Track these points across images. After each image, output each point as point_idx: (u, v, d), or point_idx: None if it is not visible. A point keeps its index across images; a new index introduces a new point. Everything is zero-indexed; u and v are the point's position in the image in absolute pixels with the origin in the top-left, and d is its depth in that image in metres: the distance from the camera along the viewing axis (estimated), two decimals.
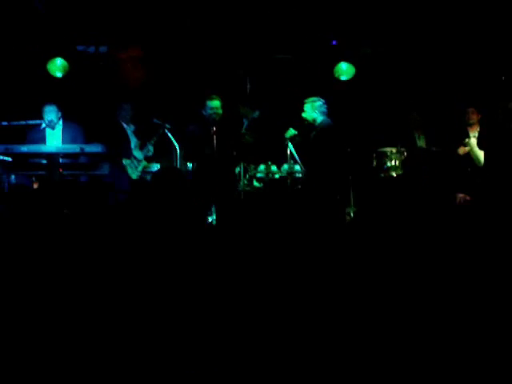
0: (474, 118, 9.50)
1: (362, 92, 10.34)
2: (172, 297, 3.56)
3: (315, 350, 3.14)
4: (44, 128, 8.77)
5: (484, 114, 9.38)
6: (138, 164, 9.26)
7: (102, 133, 9.17)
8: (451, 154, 9.22)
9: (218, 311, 3.38)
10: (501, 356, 3.07)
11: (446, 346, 3.14)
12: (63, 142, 8.67)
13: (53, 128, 8.81)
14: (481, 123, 9.21)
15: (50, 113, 8.78)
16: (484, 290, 3.36)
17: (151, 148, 9.32)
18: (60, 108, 8.87)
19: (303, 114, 8.73)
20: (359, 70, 9.90)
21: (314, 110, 8.70)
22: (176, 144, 8.85)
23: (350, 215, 8.82)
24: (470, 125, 9.50)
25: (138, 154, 9.29)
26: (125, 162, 9.17)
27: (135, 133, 9.47)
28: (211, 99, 8.65)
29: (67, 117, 9.01)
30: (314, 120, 8.74)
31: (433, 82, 10.37)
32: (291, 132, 8.78)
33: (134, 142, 9.40)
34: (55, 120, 8.80)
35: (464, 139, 9.35)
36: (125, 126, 9.42)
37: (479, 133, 9.04)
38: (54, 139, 8.80)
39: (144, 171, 9.30)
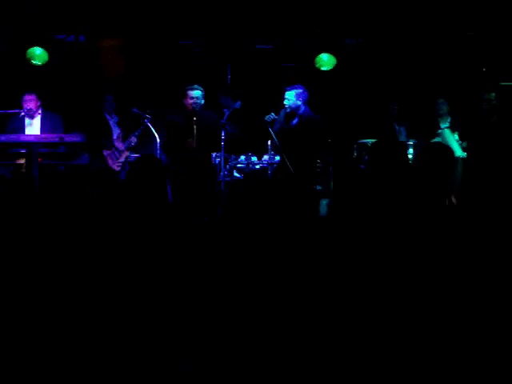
0: (444, 108, 9.56)
1: (343, 83, 10.34)
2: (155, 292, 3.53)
3: (306, 350, 3.13)
4: (23, 117, 8.69)
5: (463, 105, 9.44)
6: (119, 155, 9.20)
7: (82, 122, 9.13)
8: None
9: (202, 310, 3.36)
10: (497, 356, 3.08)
11: (439, 345, 3.14)
12: (42, 132, 8.62)
13: (32, 117, 8.75)
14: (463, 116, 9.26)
15: (29, 102, 8.71)
16: (470, 282, 3.36)
17: (135, 139, 9.26)
18: (39, 97, 8.81)
19: (285, 102, 8.65)
20: (340, 61, 9.87)
21: (297, 98, 8.64)
22: (156, 134, 8.79)
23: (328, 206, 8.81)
24: (441, 115, 9.57)
25: (119, 144, 9.23)
26: (105, 152, 9.12)
27: (118, 124, 9.42)
28: (192, 89, 8.58)
29: (46, 106, 8.96)
30: (298, 108, 8.68)
31: (414, 73, 10.38)
32: (272, 116, 8.68)
33: (116, 133, 9.35)
34: (34, 109, 8.74)
35: (436, 130, 9.40)
36: (107, 116, 9.38)
37: (463, 125, 9.09)
38: (33, 129, 8.74)
39: (126, 162, 9.25)
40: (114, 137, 9.31)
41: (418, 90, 10.39)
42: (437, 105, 9.62)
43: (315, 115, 8.69)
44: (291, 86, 8.69)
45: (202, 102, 8.63)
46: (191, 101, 8.51)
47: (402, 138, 9.78)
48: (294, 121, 8.72)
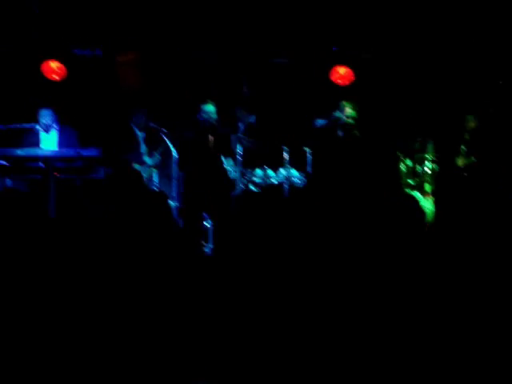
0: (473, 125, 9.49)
1: (360, 97, 10.30)
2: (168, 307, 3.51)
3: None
4: (39, 132, 8.71)
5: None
6: (150, 170, 9.17)
7: (104, 136, 9.13)
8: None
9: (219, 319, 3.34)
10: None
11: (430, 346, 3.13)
12: (58, 146, 8.63)
13: (48, 132, 8.76)
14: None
15: (46, 116, 8.73)
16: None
17: (159, 156, 9.25)
18: (56, 111, 8.82)
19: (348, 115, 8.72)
20: (358, 75, 9.86)
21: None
22: (173, 149, 8.78)
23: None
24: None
25: (148, 160, 9.22)
26: (138, 167, 9.09)
27: (144, 140, 9.40)
28: (206, 104, 8.61)
29: (63, 120, 8.97)
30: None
31: (432, 88, 10.34)
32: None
33: (143, 148, 9.33)
34: (50, 123, 8.75)
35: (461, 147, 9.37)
36: (137, 132, 9.35)
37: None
38: (49, 143, 8.75)
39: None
40: (142, 152, 9.29)
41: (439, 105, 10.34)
42: (465, 122, 9.57)
43: None
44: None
45: (215, 116, 8.64)
46: (205, 116, 8.54)
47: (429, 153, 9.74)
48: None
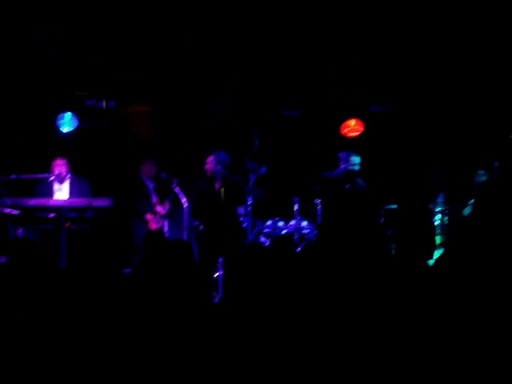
0: (483, 179, 9.49)
1: (371, 148, 10.34)
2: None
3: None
4: (51, 181, 8.77)
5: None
6: (160, 220, 9.21)
7: (115, 187, 9.19)
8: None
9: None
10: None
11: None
12: (70, 196, 8.67)
13: (61, 182, 8.82)
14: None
15: (60, 166, 8.80)
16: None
17: (169, 205, 9.30)
18: (69, 162, 8.91)
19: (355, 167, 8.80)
20: (368, 127, 9.91)
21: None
22: (184, 199, 8.83)
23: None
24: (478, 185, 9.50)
25: (160, 209, 9.26)
26: (149, 216, 9.13)
27: (155, 189, 9.45)
28: (209, 155, 8.70)
29: (75, 171, 9.04)
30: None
31: (441, 140, 10.38)
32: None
33: (154, 198, 9.37)
34: (64, 173, 8.82)
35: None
36: (147, 182, 9.41)
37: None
38: (62, 193, 8.81)
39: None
40: (154, 201, 9.33)
41: (458, 157, 10.35)
42: (476, 176, 9.57)
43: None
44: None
45: (213, 166, 8.67)
46: (206, 166, 8.63)
47: (440, 205, 9.73)
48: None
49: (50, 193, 8.70)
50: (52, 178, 8.73)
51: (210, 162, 8.57)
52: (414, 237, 8.56)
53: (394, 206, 9.44)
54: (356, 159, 8.81)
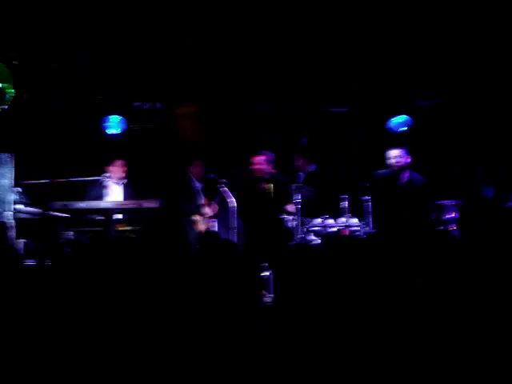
0: None
1: (419, 144, 10.23)
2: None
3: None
4: (105, 184, 8.80)
5: None
6: (208, 221, 9.21)
7: (169, 188, 9.22)
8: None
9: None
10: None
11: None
12: (125, 199, 8.72)
13: (119, 184, 8.89)
14: None
15: (120, 167, 8.90)
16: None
17: (216, 206, 9.31)
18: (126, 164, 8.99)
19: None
20: (417, 122, 9.80)
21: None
22: (232, 200, 8.81)
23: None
24: None
25: (207, 210, 9.28)
26: (197, 218, 9.16)
27: (202, 190, 9.48)
28: (257, 155, 8.66)
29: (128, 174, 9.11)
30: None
31: (492, 134, 10.22)
32: None
33: (201, 199, 9.40)
34: (123, 175, 8.91)
35: None
36: (195, 183, 9.45)
37: None
38: (117, 195, 8.86)
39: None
40: (202, 202, 9.36)
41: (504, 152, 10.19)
42: None
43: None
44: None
45: (265, 166, 8.63)
46: (255, 167, 8.55)
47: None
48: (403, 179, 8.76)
49: (102, 195, 8.75)
50: (108, 180, 8.77)
51: (260, 163, 8.52)
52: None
53: (446, 202, 9.33)
54: (394, 152, 8.74)
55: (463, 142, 10.39)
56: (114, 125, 9.79)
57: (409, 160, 8.82)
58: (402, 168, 8.81)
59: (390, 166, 8.84)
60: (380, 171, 8.95)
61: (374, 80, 9.82)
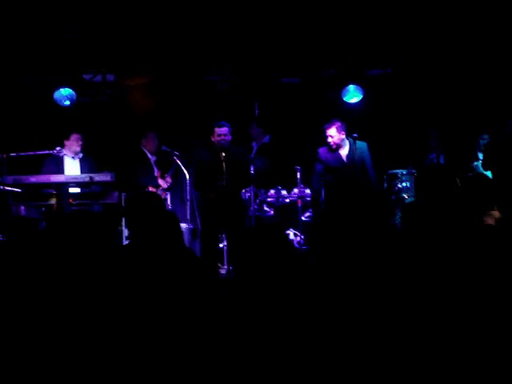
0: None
1: (371, 114, 10.28)
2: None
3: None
4: (62, 157, 8.72)
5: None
6: (162, 193, 9.15)
7: (122, 161, 9.16)
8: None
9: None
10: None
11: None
12: (82, 173, 8.63)
13: (75, 158, 8.82)
14: (486, 145, 9.14)
15: (77, 141, 8.82)
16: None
17: (170, 178, 9.28)
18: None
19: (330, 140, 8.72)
20: (368, 92, 9.81)
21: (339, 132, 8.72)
22: (186, 172, 8.79)
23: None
24: (481, 149, 9.47)
25: (162, 183, 9.24)
26: (151, 190, 9.11)
27: (156, 163, 9.43)
28: (219, 125, 8.49)
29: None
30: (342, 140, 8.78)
31: (443, 103, 10.31)
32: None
33: (156, 171, 9.36)
34: (79, 149, 8.83)
35: (472, 162, 9.36)
36: (149, 155, 9.40)
37: (484, 154, 8.99)
38: (74, 169, 8.78)
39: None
40: (155, 175, 9.31)
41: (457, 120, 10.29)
42: (480, 139, 9.56)
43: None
44: (329, 123, 8.69)
45: (230, 138, 8.50)
46: (219, 138, 8.37)
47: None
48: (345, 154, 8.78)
49: (59, 170, 8.68)
50: (63, 153, 8.68)
51: (224, 133, 8.40)
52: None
53: (398, 171, 9.42)
54: (329, 132, 8.73)
55: (416, 111, 10.46)
56: (64, 97, 9.62)
57: (343, 134, 8.77)
58: (338, 145, 8.75)
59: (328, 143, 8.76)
60: (322, 149, 8.86)
61: (325, 50, 9.79)
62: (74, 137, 8.85)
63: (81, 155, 8.89)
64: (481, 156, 9.38)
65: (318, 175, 8.86)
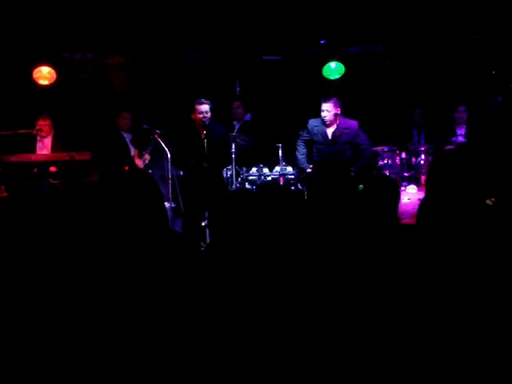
0: (463, 117, 9.52)
1: (352, 91, 10.26)
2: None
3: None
4: (34, 136, 8.71)
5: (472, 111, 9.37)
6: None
7: (95, 141, 9.11)
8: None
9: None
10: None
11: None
12: (53, 152, 8.62)
13: (44, 137, 8.77)
14: (467, 120, 9.19)
15: (44, 126, 8.78)
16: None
17: (148, 156, 9.24)
18: (51, 118, 8.85)
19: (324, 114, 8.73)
20: (349, 69, 9.79)
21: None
22: (167, 149, 8.73)
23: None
24: (459, 124, 9.53)
25: (139, 162, 9.21)
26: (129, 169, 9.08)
27: (132, 141, 9.39)
28: (200, 103, 8.42)
29: (57, 125, 8.98)
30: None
31: (426, 80, 10.33)
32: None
33: (132, 150, 9.33)
34: (48, 131, 8.79)
35: (450, 137, 9.41)
36: (124, 134, 9.37)
37: (466, 129, 9.04)
38: (44, 148, 8.75)
39: None
40: (132, 154, 9.29)
41: (438, 96, 10.31)
42: (457, 112, 9.59)
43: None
44: (327, 98, 8.71)
45: (210, 115, 8.44)
46: (200, 115, 8.29)
47: (419, 143, 9.79)
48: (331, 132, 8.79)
49: (32, 148, 8.70)
50: (38, 133, 8.73)
51: (205, 110, 8.33)
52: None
53: (379, 148, 9.44)
54: (325, 106, 8.73)
55: (399, 87, 10.48)
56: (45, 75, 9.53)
57: (338, 111, 8.75)
58: (331, 122, 8.76)
59: (322, 118, 8.78)
60: (312, 120, 8.90)
61: (305, 27, 9.75)
62: (41, 120, 8.81)
63: (50, 135, 8.88)
64: (458, 131, 9.47)
65: (301, 140, 9.03)
